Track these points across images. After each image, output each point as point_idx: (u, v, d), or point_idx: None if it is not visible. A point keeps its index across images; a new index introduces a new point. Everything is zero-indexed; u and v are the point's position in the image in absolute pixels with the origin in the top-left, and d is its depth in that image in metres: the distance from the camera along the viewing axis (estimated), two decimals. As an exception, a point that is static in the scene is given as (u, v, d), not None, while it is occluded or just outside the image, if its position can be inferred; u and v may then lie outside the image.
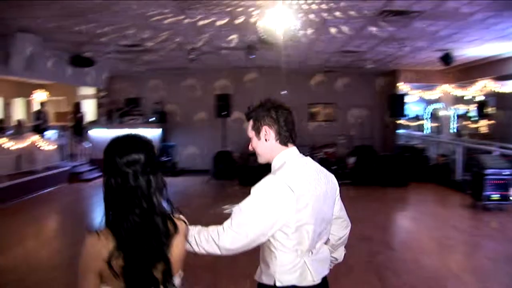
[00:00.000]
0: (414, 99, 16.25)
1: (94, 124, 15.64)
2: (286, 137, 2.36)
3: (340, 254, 2.67)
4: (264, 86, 15.48)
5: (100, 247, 1.77)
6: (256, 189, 2.26)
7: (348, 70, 14.88)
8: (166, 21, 7.68)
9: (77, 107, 15.42)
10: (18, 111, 17.39)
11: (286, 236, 2.23)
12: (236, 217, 2.24)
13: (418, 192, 12.12)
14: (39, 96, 16.60)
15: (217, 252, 2.25)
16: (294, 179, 2.23)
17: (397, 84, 14.69)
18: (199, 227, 2.33)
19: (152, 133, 14.76)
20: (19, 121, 13.70)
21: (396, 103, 13.82)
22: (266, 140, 2.37)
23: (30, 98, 16.73)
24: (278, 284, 2.24)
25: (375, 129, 15.74)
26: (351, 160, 13.48)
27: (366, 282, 5.70)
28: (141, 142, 1.91)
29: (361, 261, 6.40)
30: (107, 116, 15.44)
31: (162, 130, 15.30)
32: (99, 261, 1.76)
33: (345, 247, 2.70)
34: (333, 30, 8.53)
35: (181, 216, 2.05)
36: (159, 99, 15.80)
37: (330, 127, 15.77)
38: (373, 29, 8.43)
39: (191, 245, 2.24)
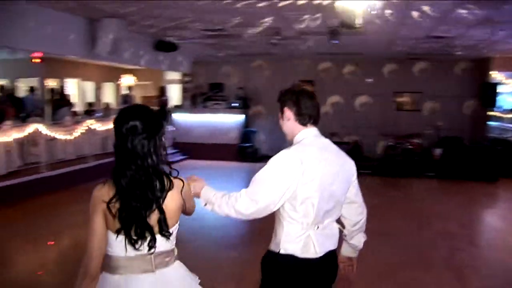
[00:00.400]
0: (509, 89, 15.19)
1: (178, 108, 16.03)
2: (305, 118, 2.57)
3: (359, 240, 2.85)
4: (349, 72, 15.18)
5: (104, 192, 2.14)
6: (270, 160, 2.49)
7: (436, 57, 14.05)
8: (245, 4, 7.63)
9: (162, 91, 15.87)
10: (108, 95, 18.19)
11: (293, 208, 2.45)
12: (252, 185, 2.46)
13: (509, 189, 11.38)
14: (127, 81, 17.30)
15: (233, 215, 2.46)
16: (304, 153, 2.46)
17: (490, 73, 13.73)
18: (223, 192, 2.52)
19: (235, 119, 14.93)
20: (106, 104, 14.32)
21: (488, 93, 12.98)
22: (288, 120, 2.63)
23: (119, 82, 17.48)
24: (282, 251, 2.48)
25: (464, 120, 14.84)
26: (437, 151, 12.84)
27: (445, 280, 5.41)
28: (139, 112, 2.19)
29: (441, 257, 6.11)
30: (191, 100, 15.74)
31: (245, 116, 15.39)
32: (102, 203, 2.12)
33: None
34: (416, 13, 8.10)
35: (180, 176, 2.30)
36: (242, 84, 15.88)
37: (416, 116, 15.07)
38: (462, 12, 7.88)
39: (213, 207, 2.50)
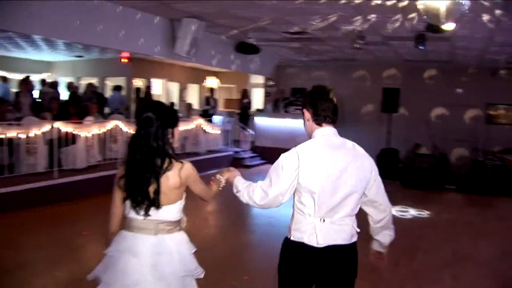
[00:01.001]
0: None
1: (260, 112, 15.84)
2: (320, 119, 2.75)
3: (384, 237, 2.97)
4: (436, 81, 14.29)
5: (121, 170, 2.71)
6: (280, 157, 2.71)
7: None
8: (328, 4, 7.22)
9: (243, 94, 15.76)
10: (192, 96, 18.37)
11: (299, 199, 2.68)
12: (265, 178, 2.73)
13: None
14: (211, 83, 17.38)
15: (251, 203, 2.77)
16: (304, 149, 2.66)
17: None
18: (250, 182, 2.84)
19: (315, 125, 14.48)
20: (188, 105, 14.38)
21: None
22: (307, 120, 2.82)
23: (203, 84, 17.60)
24: (291, 238, 2.72)
25: None
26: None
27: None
28: (153, 106, 2.70)
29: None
30: (274, 105, 15.51)
31: (327, 122, 14.84)
32: (118, 179, 2.70)
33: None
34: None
35: (184, 160, 2.73)
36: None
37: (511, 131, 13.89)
38: None
39: (239, 194, 2.83)
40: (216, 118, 15.19)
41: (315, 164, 2.63)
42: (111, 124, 9.85)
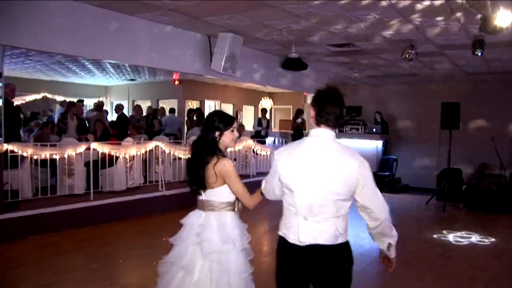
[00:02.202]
0: None
1: (314, 132, 15.24)
2: (322, 120, 2.75)
3: (382, 244, 2.89)
4: (502, 94, 13.17)
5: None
6: None
7: None
8: (369, 5, 6.62)
9: (296, 114, 15.20)
10: (247, 118, 18.13)
11: (285, 196, 2.82)
12: None
13: None
14: (265, 104, 17.04)
15: (265, 196, 3.13)
16: (290, 147, 2.87)
17: None
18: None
19: (372, 145, 13.70)
20: (240, 126, 14.05)
21: None
22: (311, 117, 2.84)
23: (258, 105, 17.29)
24: (279, 232, 2.86)
25: None
26: None
27: None
28: (208, 115, 3.45)
29: None
30: (328, 125, 14.83)
31: (383, 141, 14.02)
32: None
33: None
34: None
35: (224, 158, 3.23)
36: (381, 108, 14.59)
37: None
38: None
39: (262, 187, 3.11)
40: (270, 140, 14.77)
41: (294, 163, 2.74)
42: (151, 146, 9.63)
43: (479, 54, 8.09)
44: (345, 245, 2.78)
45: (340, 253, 2.76)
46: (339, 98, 2.78)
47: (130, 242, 7.42)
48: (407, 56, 8.63)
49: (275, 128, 18.18)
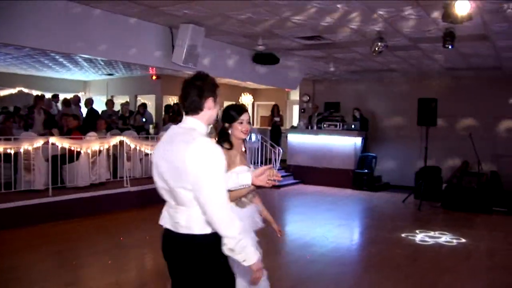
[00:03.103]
0: None
1: (293, 129, 15.00)
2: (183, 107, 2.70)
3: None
4: (478, 89, 12.97)
5: None
6: None
7: None
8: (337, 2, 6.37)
9: (273, 111, 14.93)
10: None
11: None
12: None
13: None
14: (245, 99, 16.79)
15: None
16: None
17: None
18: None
19: (351, 142, 13.45)
20: (216, 122, 13.78)
21: None
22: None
23: (238, 101, 17.03)
24: None
25: None
26: None
27: None
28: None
29: None
30: (308, 121, 14.61)
31: (363, 138, 13.77)
32: None
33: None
34: None
35: (225, 149, 3.23)
36: (360, 104, 14.35)
37: None
38: None
39: None
40: (253, 137, 14.51)
41: (156, 151, 2.70)
42: (115, 140, 9.37)
43: (450, 47, 7.87)
44: (190, 238, 2.54)
45: (184, 244, 2.59)
46: (195, 85, 2.59)
47: (85, 240, 7.18)
48: (376, 49, 8.40)
49: (255, 124, 17.96)
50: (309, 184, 13.72)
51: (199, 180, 2.40)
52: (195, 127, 2.59)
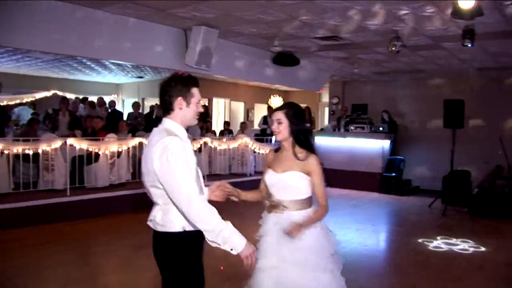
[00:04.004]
0: None
1: (320, 132, 14.83)
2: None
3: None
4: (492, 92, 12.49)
5: None
6: None
7: None
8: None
9: (305, 113, 14.82)
10: (259, 116, 17.86)
11: None
12: None
13: None
14: (275, 102, 16.72)
15: None
16: None
17: None
18: None
19: (378, 144, 13.15)
20: (242, 124, 13.79)
21: None
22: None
23: (268, 103, 16.98)
24: None
25: None
26: None
27: None
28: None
29: None
30: (337, 123, 14.41)
31: (391, 141, 13.44)
32: None
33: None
34: None
35: None
36: (388, 106, 14.01)
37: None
38: None
39: None
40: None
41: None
42: (133, 142, 9.48)
43: (469, 45, 7.60)
44: (164, 236, 2.64)
45: (160, 241, 2.68)
46: (166, 86, 2.68)
47: (99, 239, 7.30)
48: (393, 48, 8.20)
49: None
50: (335, 187, 13.49)
51: (165, 180, 2.49)
52: (169, 128, 2.64)
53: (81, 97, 14.50)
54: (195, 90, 2.69)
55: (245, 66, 9.99)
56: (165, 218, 2.61)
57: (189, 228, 2.57)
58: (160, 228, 2.64)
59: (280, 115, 3.17)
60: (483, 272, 6.36)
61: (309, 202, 3.21)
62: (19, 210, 7.60)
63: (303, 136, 3.21)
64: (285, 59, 10.18)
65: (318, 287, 3.00)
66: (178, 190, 2.46)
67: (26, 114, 13.69)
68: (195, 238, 2.60)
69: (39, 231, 7.47)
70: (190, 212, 2.47)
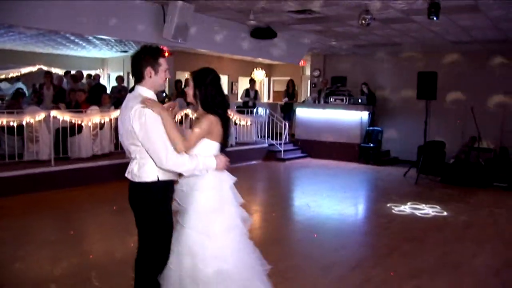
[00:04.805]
0: None
1: (301, 104, 15.17)
2: None
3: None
4: (484, 63, 12.83)
5: None
6: None
7: None
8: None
9: (289, 86, 15.18)
10: (242, 89, 18.12)
11: None
12: None
13: None
14: (258, 75, 16.99)
15: None
16: None
17: None
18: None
19: (357, 116, 13.52)
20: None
21: None
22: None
23: (251, 76, 17.24)
24: None
25: None
26: None
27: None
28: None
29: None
30: (318, 95, 14.75)
31: (370, 113, 13.81)
32: None
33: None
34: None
35: None
36: (366, 78, 14.35)
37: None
38: None
39: None
40: (259, 111, 14.76)
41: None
42: (115, 114, 9.78)
43: (434, 18, 7.90)
44: (140, 186, 3.07)
45: (135, 190, 3.12)
46: (137, 57, 3.09)
47: (80, 206, 7.67)
48: (363, 21, 8.47)
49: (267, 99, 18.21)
50: (315, 158, 13.91)
51: (143, 139, 2.95)
52: (141, 93, 3.06)
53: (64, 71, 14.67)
54: (162, 60, 3.09)
55: (222, 39, 10.25)
56: (141, 170, 3.04)
57: (162, 177, 3.05)
58: (137, 179, 3.06)
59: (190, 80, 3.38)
60: (440, 233, 6.78)
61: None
62: (5, 179, 7.90)
63: (204, 98, 3.23)
64: (262, 33, 10.44)
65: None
66: (157, 147, 2.94)
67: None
68: (167, 185, 3.11)
69: (25, 199, 7.81)
70: (169, 164, 2.96)
